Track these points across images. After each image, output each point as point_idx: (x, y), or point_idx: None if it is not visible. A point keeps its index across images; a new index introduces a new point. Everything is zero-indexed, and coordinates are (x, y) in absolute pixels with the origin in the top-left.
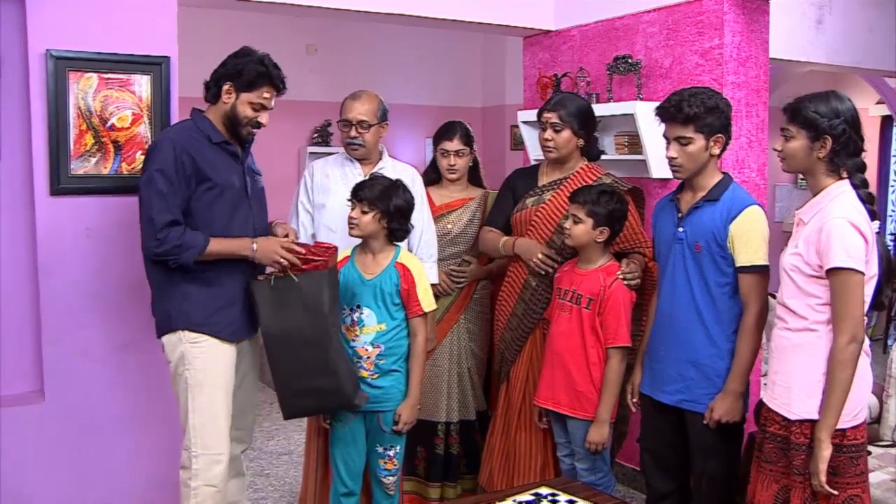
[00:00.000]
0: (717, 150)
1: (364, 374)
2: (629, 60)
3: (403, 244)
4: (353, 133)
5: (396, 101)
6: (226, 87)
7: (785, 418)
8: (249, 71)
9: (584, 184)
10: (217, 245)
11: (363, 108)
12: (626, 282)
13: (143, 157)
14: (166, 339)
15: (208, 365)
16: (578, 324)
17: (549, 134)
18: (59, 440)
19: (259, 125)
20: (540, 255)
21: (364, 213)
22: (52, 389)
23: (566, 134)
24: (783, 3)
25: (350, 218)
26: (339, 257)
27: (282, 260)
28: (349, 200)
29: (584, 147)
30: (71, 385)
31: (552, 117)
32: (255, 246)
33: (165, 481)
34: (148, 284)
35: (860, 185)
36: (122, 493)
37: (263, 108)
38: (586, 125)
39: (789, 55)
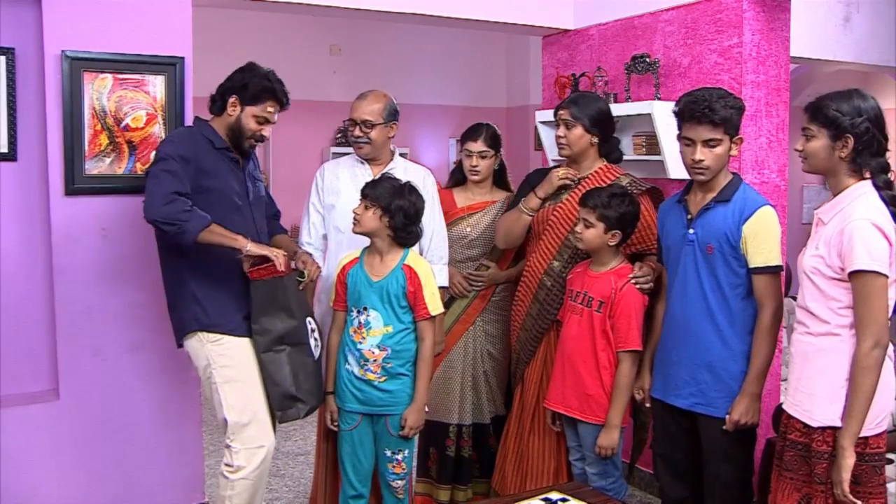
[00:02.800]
0: (735, 151)
1: (371, 376)
2: (647, 59)
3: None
4: (357, 132)
5: (420, 102)
6: (231, 101)
7: (806, 425)
8: (255, 85)
9: (603, 184)
10: (217, 228)
11: (368, 107)
12: (638, 286)
13: None
14: (188, 345)
15: (233, 361)
16: (589, 327)
17: (561, 130)
18: (73, 439)
19: (262, 139)
20: (561, 173)
21: (366, 209)
22: (67, 388)
23: (578, 131)
24: (808, 0)
25: (353, 213)
26: (349, 258)
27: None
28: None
29: (603, 148)
30: (85, 384)
31: (564, 114)
32: (249, 247)
33: (179, 479)
34: (163, 288)
35: (883, 187)
36: (136, 491)
37: (267, 121)
38: (600, 123)
39: (816, 54)
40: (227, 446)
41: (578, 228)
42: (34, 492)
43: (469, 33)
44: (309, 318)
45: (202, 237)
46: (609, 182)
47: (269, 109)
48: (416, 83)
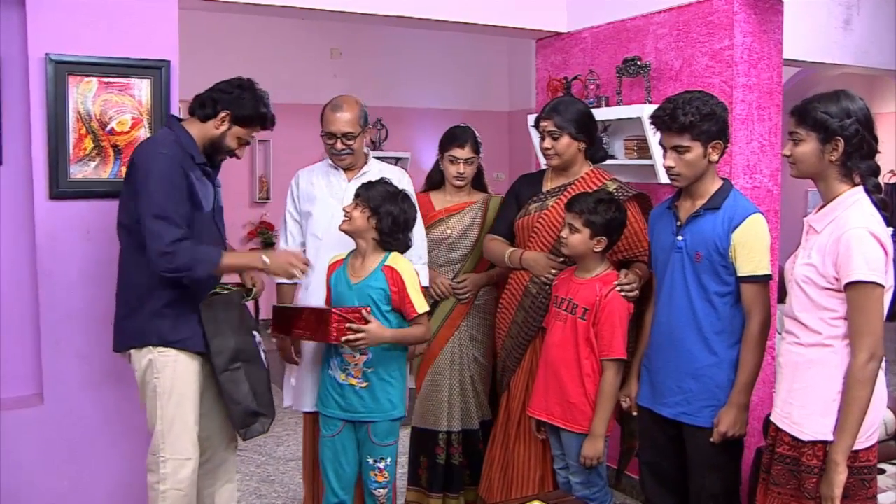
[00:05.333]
0: (715, 157)
1: (353, 381)
2: (638, 63)
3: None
4: (338, 146)
5: (422, 105)
6: (222, 115)
7: (795, 439)
8: (250, 108)
9: (589, 189)
10: (228, 259)
11: (345, 118)
12: (623, 293)
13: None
14: (134, 352)
15: (176, 374)
16: (573, 334)
17: (547, 142)
18: (57, 443)
19: (234, 157)
20: (553, 272)
21: (356, 207)
22: (51, 393)
23: (565, 140)
24: (807, 3)
25: (344, 210)
26: (336, 259)
27: (296, 270)
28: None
29: (588, 150)
30: (69, 389)
31: (548, 125)
32: (266, 259)
33: None
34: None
35: (874, 190)
36: (119, 496)
37: (247, 143)
38: (585, 128)
39: (816, 57)
40: (154, 454)
41: (564, 233)
42: (17, 495)
43: (471, 36)
44: (254, 332)
45: (218, 271)
46: (596, 187)
47: (254, 134)
48: (418, 87)
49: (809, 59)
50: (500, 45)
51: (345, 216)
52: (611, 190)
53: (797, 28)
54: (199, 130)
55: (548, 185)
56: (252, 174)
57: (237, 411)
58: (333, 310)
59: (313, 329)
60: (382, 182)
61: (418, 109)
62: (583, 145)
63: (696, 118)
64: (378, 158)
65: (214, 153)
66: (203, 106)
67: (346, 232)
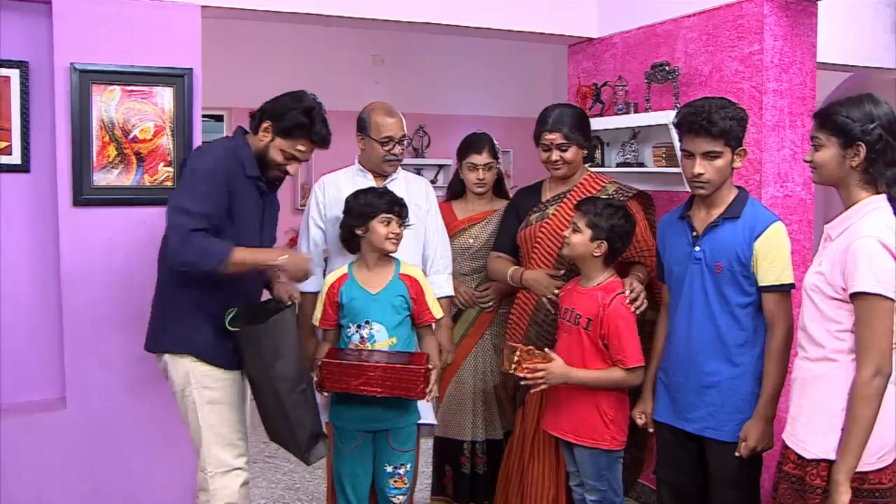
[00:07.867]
0: (739, 163)
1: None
2: (666, 68)
3: (417, 258)
4: (397, 150)
5: (465, 112)
6: (265, 125)
7: (800, 457)
8: (291, 119)
9: (589, 194)
10: (243, 253)
11: (401, 121)
12: (635, 310)
13: (164, 168)
14: (169, 357)
15: (217, 384)
16: (579, 345)
17: (555, 155)
18: (79, 448)
19: (286, 173)
20: (556, 292)
21: (401, 226)
22: (74, 398)
23: (573, 150)
24: (852, 5)
25: (395, 234)
26: (337, 275)
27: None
28: (387, 215)
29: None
30: (92, 394)
31: (557, 138)
32: (284, 255)
33: (182, 490)
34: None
35: None
36: (139, 500)
37: (294, 158)
38: (588, 133)
39: (862, 61)
40: (202, 469)
41: (567, 232)
42: (40, 498)
43: (514, 43)
44: None
45: (232, 265)
46: (596, 191)
47: (300, 148)
48: (461, 94)
49: (853, 63)
50: (543, 52)
51: (395, 238)
52: (610, 192)
53: (841, 31)
54: (254, 143)
55: (547, 195)
56: (294, 181)
57: (303, 435)
58: (421, 369)
59: (390, 386)
60: (392, 192)
61: (461, 116)
62: (585, 151)
63: (733, 123)
64: (421, 166)
65: (264, 168)
66: (252, 118)
67: (392, 252)
